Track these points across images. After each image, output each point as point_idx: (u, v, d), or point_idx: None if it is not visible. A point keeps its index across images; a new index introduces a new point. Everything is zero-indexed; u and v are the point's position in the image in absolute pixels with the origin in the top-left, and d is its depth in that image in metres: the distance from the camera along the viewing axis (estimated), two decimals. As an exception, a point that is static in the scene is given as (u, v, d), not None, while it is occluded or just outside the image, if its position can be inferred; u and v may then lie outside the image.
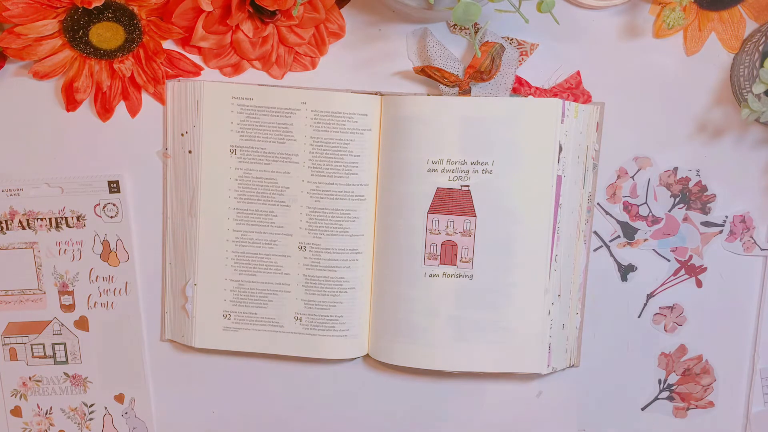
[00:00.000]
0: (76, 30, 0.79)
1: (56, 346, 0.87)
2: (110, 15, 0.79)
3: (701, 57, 0.84)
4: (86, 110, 0.84)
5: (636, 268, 0.87)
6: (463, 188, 0.81)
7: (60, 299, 0.87)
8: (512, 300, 0.83)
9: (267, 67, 0.83)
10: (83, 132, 0.84)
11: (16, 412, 0.88)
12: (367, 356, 0.87)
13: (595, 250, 0.87)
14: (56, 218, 0.85)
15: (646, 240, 0.87)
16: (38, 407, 0.88)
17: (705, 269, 0.87)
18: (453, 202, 0.81)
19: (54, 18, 0.78)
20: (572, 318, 0.86)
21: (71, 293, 0.87)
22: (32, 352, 0.87)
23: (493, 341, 0.83)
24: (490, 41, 0.81)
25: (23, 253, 0.86)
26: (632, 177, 0.86)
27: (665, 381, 0.89)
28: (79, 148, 0.85)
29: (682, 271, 0.87)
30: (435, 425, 0.89)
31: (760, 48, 0.80)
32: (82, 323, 0.87)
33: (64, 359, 0.88)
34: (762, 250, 0.87)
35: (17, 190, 0.85)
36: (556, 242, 0.82)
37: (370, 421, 0.89)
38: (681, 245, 0.87)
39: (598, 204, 0.86)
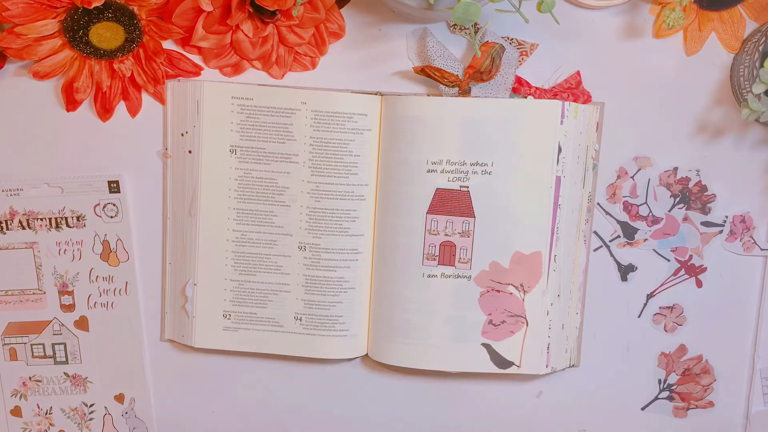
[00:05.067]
0: (76, 30, 0.79)
1: (56, 346, 0.87)
2: (110, 15, 0.79)
3: (701, 57, 0.84)
4: (86, 110, 0.84)
5: (636, 268, 0.87)
6: (462, 189, 0.81)
7: (60, 299, 0.87)
8: (512, 300, 0.83)
9: (267, 67, 0.83)
10: (83, 132, 0.85)
11: (16, 412, 0.89)
12: (366, 356, 0.87)
13: (595, 250, 0.87)
14: (56, 218, 0.85)
15: (646, 240, 0.87)
16: (38, 407, 0.89)
17: (705, 269, 0.87)
18: (452, 202, 0.82)
19: (54, 18, 0.78)
20: (572, 318, 0.86)
21: (71, 293, 0.87)
22: (32, 352, 0.87)
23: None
24: (490, 41, 0.81)
25: (23, 253, 0.86)
26: (632, 177, 0.86)
27: (665, 381, 0.89)
28: (79, 148, 0.85)
29: (682, 271, 0.87)
30: (434, 426, 0.89)
31: (760, 48, 0.80)
32: (82, 323, 0.87)
33: (64, 359, 0.88)
34: (762, 250, 0.87)
35: (17, 190, 0.85)
36: (555, 243, 0.82)
37: (369, 421, 0.89)
38: (681, 245, 0.87)
39: (598, 204, 0.86)
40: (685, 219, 0.86)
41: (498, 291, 0.83)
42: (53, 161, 0.85)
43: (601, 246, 0.87)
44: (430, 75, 0.81)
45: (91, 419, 0.89)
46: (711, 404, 0.89)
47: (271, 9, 0.78)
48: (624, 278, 0.87)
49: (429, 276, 0.83)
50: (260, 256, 0.85)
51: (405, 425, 0.89)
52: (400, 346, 0.84)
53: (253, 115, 0.83)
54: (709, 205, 0.86)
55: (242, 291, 0.85)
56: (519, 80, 0.83)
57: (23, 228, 0.85)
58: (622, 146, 0.85)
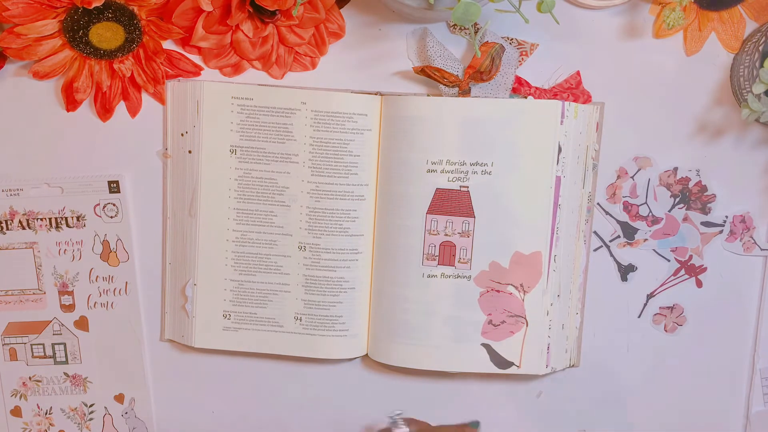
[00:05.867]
0: (76, 30, 0.79)
1: (56, 346, 0.87)
2: (110, 15, 0.79)
3: (701, 57, 0.84)
4: (86, 110, 0.84)
5: (636, 268, 0.87)
6: (462, 189, 0.81)
7: (60, 299, 0.87)
8: (512, 300, 0.83)
9: (267, 67, 0.83)
10: (83, 132, 0.85)
11: (16, 412, 0.89)
12: (366, 356, 0.87)
13: (595, 250, 0.87)
14: (56, 218, 0.85)
15: (646, 240, 0.87)
16: (38, 407, 0.89)
17: (705, 269, 0.87)
18: (452, 202, 0.82)
19: (54, 18, 0.78)
20: (572, 318, 0.86)
21: (71, 293, 0.87)
22: (32, 352, 0.87)
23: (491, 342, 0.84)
24: (490, 41, 0.81)
25: (23, 253, 0.86)
26: (632, 177, 0.86)
27: None
28: (79, 148, 0.85)
29: (682, 271, 0.87)
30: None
31: (760, 48, 0.80)
32: (82, 323, 0.87)
33: (64, 359, 0.88)
34: (762, 250, 0.87)
35: (17, 190, 0.85)
36: (555, 243, 0.82)
37: (369, 421, 0.89)
38: (681, 245, 0.87)
39: (598, 204, 0.86)
40: (685, 219, 0.86)
41: (498, 291, 0.83)
42: (53, 161, 0.85)
43: (601, 246, 0.87)
44: (430, 75, 0.81)
45: (91, 419, 0.89)
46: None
47: (271, 9, 0.78)
48: (624, 278, 0.87)
49: (429, 276, 0.83)
50: (260, 256, 0.85)
51: (405, 425, 0.89)
52: (400, 346, 0.84)
53: (253, 115, 0.83)
54: (709, 205, 0.86)
55: (242, 291, 0.85)
56: (519, 80, 0.83)
57: (23, 228, 0.85)
58: (622, 146, 0.85)
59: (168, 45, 0.82)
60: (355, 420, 0.89)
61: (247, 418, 0.89)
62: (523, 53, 0.84)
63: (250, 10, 0.78)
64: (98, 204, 0.85)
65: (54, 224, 0.85)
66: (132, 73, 0.82)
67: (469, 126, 0.81)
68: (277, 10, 0.78)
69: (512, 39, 0.83)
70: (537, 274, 0.82)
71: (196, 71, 0.83)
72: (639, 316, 0.88)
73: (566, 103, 0.81)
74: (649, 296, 0.87)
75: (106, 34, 0.80)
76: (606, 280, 0.87)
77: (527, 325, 0.83)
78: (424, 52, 0.82)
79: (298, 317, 0.85)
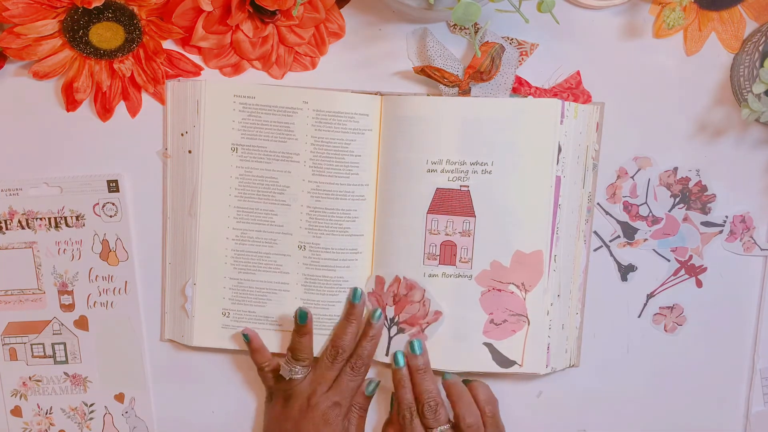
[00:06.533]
0: (76, 30, 0.79)
1: (56, 346, 0.87)
2: (110, 15, 0.79)
3: (701, 57, 0.84)
4: (86, 110, 0.84)
5: (636, 268, 0.87)
6: (463, 189, 0.81)
7: (60, 299, 0.87)
8: (512, 300, 0.83)
9: (267, 67, 0.83)
10: (83, 132, 0.85)
11: (16, 412, 0.88)
12: (366, 356, 0.87)
13: (595, 250, 0.87)
14: (55, 218, 0.85)
15: (646, 240, 0.87)
16: (38, 407, 0.88)
17: (705, 269, 0.87)
18: (452, 202, 0.82)
19: (54, 18, 0.78)
20: (572, 318, 0.86)
21: (71, 293, 0.86)
22: (32, 352, 0.87)
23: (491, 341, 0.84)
24: (490, 41, 0.81)
25: (23, 253, 0.86)
26: (632, 177, 0.86)
27: None
28: (79, 148, 0.85)
29: (682, 271, 0.87)
30: (435, 425, 0.89)
31: (760, 48, 0.80)
32: (81, 323, 0.87)
33: (64, 359, 0.88)
34: (762, 250, 0.87)
35: (17, 189, 0.85)
36: (555, 243, 0.82)
37: (369, 421, 0.89)
38: (681, 245, 0.87)
39: (598, 204, 0.86)
40: (685, 219, 0.86)
41: (499, 290, 0.83)
42: (53, 161, 0.85)
43: (601, 246, 0.87)
44: (430, 75, 0.81)
45: (91, 419, 0.89)
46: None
47: (271, 9, 0.78)
48: (624, 278, 0.87)
49: (430, 276, 0.83)
50: (260, 255, 0.85)
51: (405, 425, 0.89)
52: (401, 346, 0.84)
53: (255, 114, 0.83)
54: (709, 205, 0.86)
55: (241, 289, 0.85)
56: (519, 80, 0.83)
57: (22, 228, 0.85)
58: (622, 146, 0.85)
59: (168, 45, 0.82)
60: (355, 420, 0.89)
61: (247, 418, 0.89)
62: (523, 53, 0.84)
63: (250, 10, 0.78)
64: (97, 203, 0.85)
65: (53, 224, 0.85)
66: (132, 73, 0.82)
67: (469, 126, 0.81)
68: (277, 10, 0.78)
69: (512, 39, 0.83)
70: (538, 273, 0.82)
71: (196, 71, 0.83)
72: (639, 316, 0.88)
73: (566, 102, 0.81)
74: (649, 296, 0.88)
75: (106, 34, 0.79)
76: (606, 280, 0.87)
77: (529, 324, 0.83)
78: (424, 52, 0.82)
79: (298, 317, 0.85)
